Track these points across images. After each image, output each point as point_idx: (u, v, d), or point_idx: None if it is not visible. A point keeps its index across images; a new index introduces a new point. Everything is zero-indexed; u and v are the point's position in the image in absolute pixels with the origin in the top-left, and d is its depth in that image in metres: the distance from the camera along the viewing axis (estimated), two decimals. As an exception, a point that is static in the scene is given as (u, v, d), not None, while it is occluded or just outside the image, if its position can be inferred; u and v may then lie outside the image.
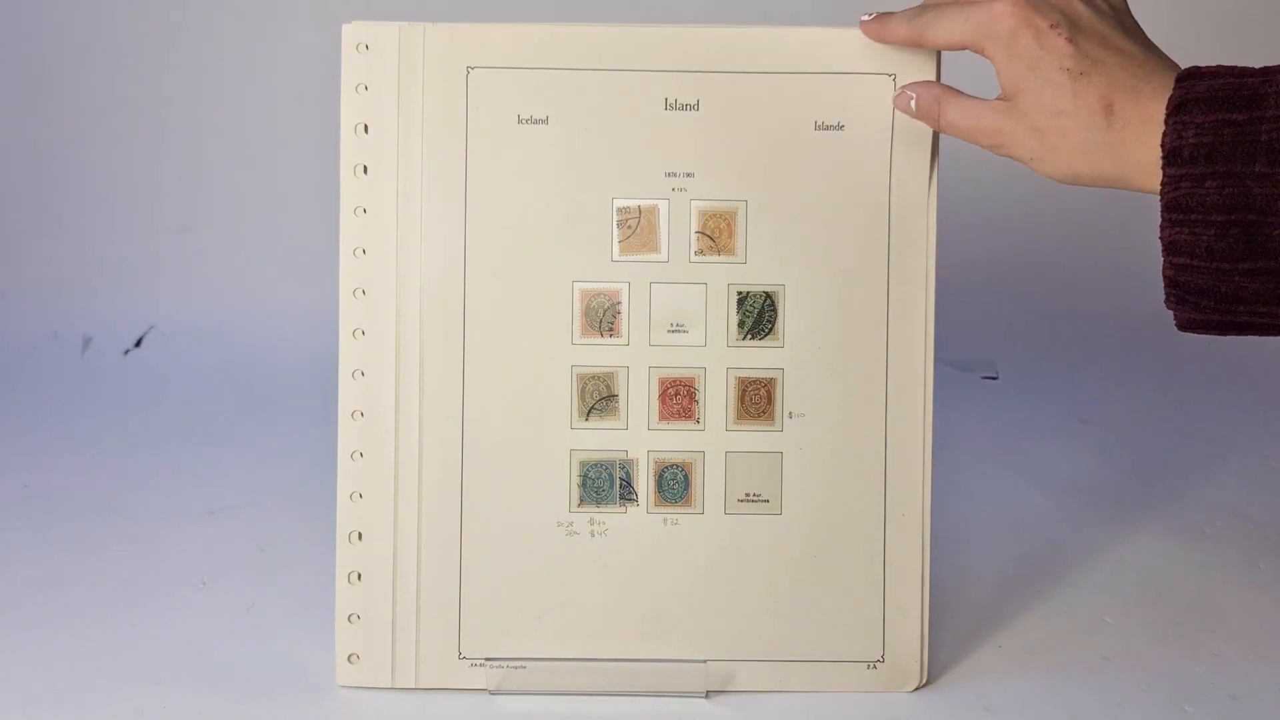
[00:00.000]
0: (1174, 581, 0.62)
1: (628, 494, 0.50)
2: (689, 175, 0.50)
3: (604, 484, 0.50)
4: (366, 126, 0.49)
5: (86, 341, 1.03)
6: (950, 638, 0.55)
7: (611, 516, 0.50)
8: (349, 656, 0.50)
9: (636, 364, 0.50)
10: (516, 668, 0.50)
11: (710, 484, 0.50)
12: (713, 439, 0.50)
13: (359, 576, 0.50)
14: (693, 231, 0.50)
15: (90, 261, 1.08)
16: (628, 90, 0.49)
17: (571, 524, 0.50)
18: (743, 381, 0.50)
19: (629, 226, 0.50)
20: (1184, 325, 0.42)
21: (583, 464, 0.50)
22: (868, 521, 0.50)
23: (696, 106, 0.49)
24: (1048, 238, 1.05)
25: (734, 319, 0.50)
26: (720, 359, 0.50)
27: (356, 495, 0.50)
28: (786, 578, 0.50)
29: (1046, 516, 0.72)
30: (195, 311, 1.05)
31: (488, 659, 0.50)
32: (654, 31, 0.49)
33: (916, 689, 0.50)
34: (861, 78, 0.49)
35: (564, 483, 0.50)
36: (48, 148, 1.09)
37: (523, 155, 0.49)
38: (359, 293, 0.50)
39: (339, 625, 0.50)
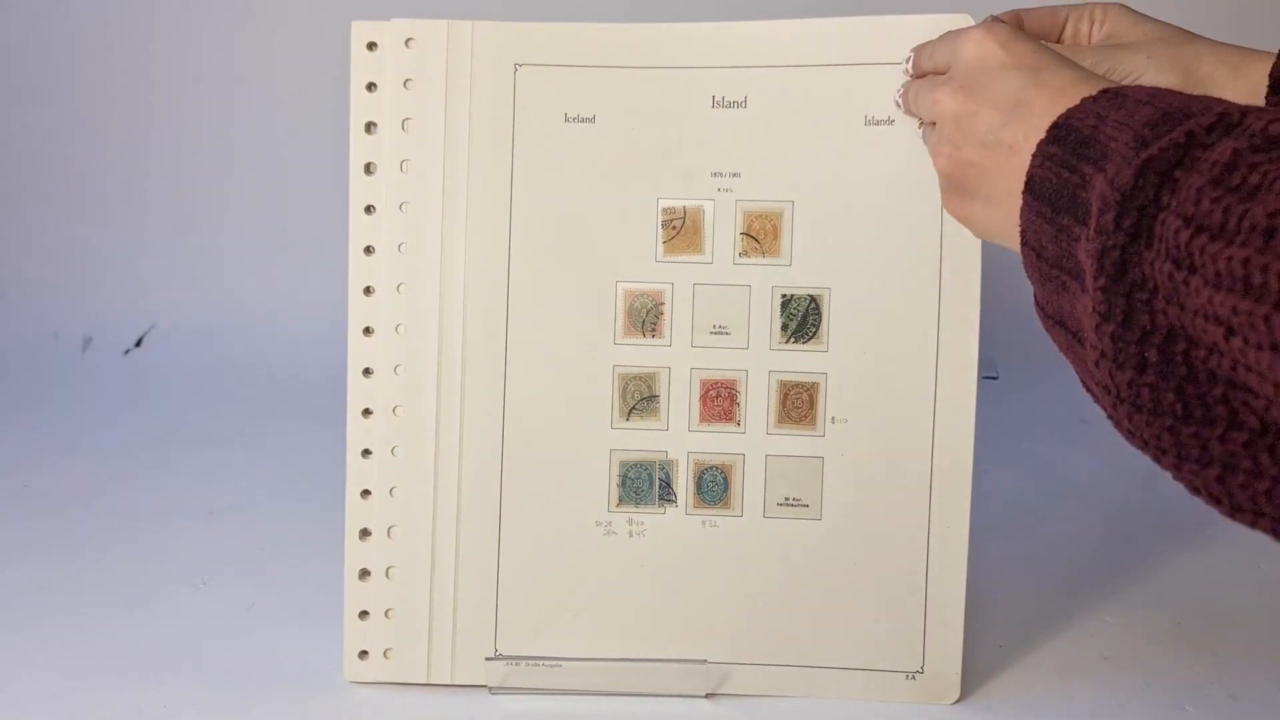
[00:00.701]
0: (1174, 581, 0.62)
1: (667, 495, 0.50)
2: (735, 175, 0.49)
3: (643, 484, 0.50)
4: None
5: (87, 341, 1.03)
6: (951, 638, 0.55)
7: (650, 517, 0.50)
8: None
9: (678, 365, 0.50)
10: (526, 660, 0.50)
11: (750, 487, 0.50)
12: (753, 442, 0.50)
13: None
14: (737, 233, 0.49)
15: (90, 261, 1.08)
16: (674, 88, 0.49)
17: (610, 524, 0.50)
18: (785, 385, 0.49)
19: (673, 227, 0.49)
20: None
21: (622, 464, 0.50)
22: (911, 531, 0.49)
23: (744, 104, 0.49)
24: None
25: (777, 322, 0.49)
26: (762, 362, 0.49)
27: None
28: (824, 584, 0.49)
29: (1047, 516, 0.72)
30: (195, 311, 1.04)
31: (494, 656, 0.50)
32: (700, 28, 0.49)
33: (956, 702, 0.50)
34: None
35: (603, 482, 0.50)
36: (48, 147, 1.09)
37: (569, 154, 0.49)
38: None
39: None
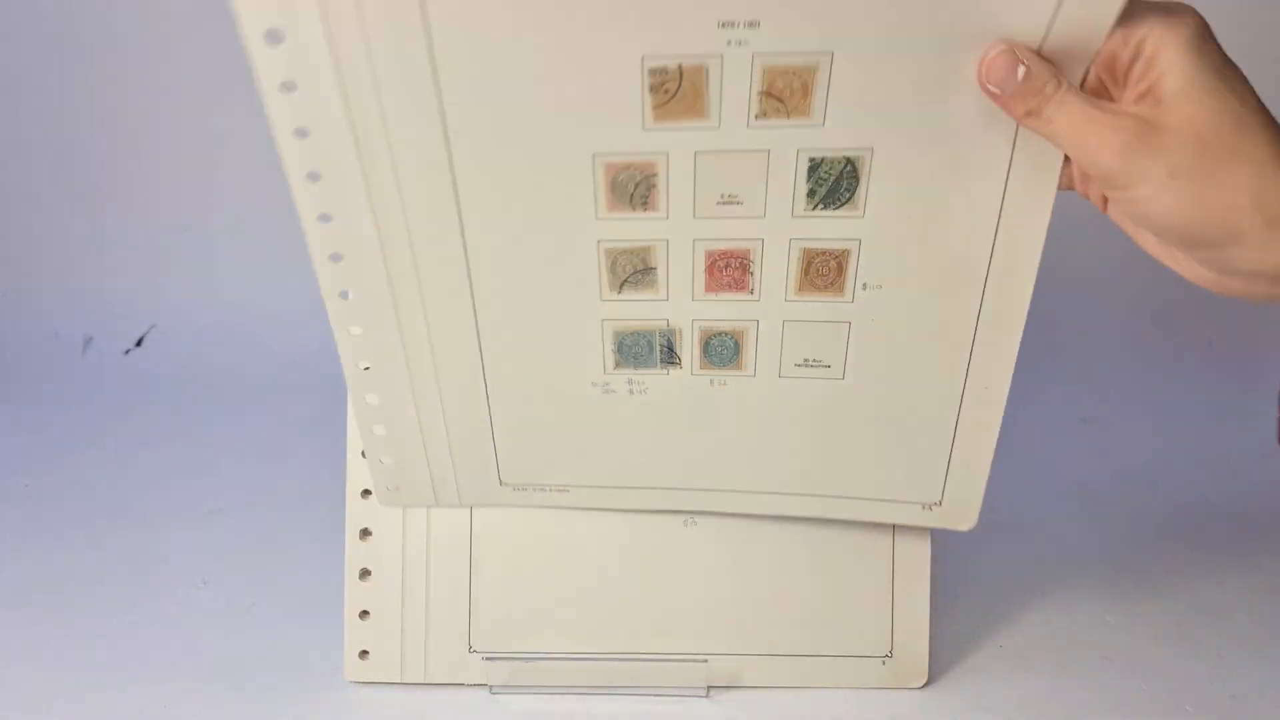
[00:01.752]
0: (1174, 581, 0.62)
1: (669, 358, 0.45)
2: (752, 25, 0.37)
3: (642, 350, 0.45)
4: (294, 84, 0.40)
5: (87, 341, 1.03)
6: (951, 637, 0.55)
7: (652, 378, 0.46)
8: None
9: (678, 237, 0.42)
10: (527, 658, 0.50)
11: (765, 350, 0.45)
12: (769, 308, 0.44)
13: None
14: (754, 93, 0.38)
15: (91, 261, 1.08)
16: None
17: (608, 384, 0.46)
18: (809, 253, 0.42)
19: (665, 91, 0.38)
20: None
21: (617, 334, 0.45)
22: (943, 391, 0.45)
23: None
24: (1050, 237, 1.05)
25: (802, 188, 0.41)
26: (783, 230, 0.42)
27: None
28: (843, 432, 0.46)
29: (1047, 516, 0.72)
30: (196, 311, 1.04)
31: (493, 654, 0.50)
32: None
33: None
34: None
35: (597, 352, 0.45)
36: (48, 147, 1.09)
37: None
38: (344, 295, 0.44)
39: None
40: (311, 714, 0.49)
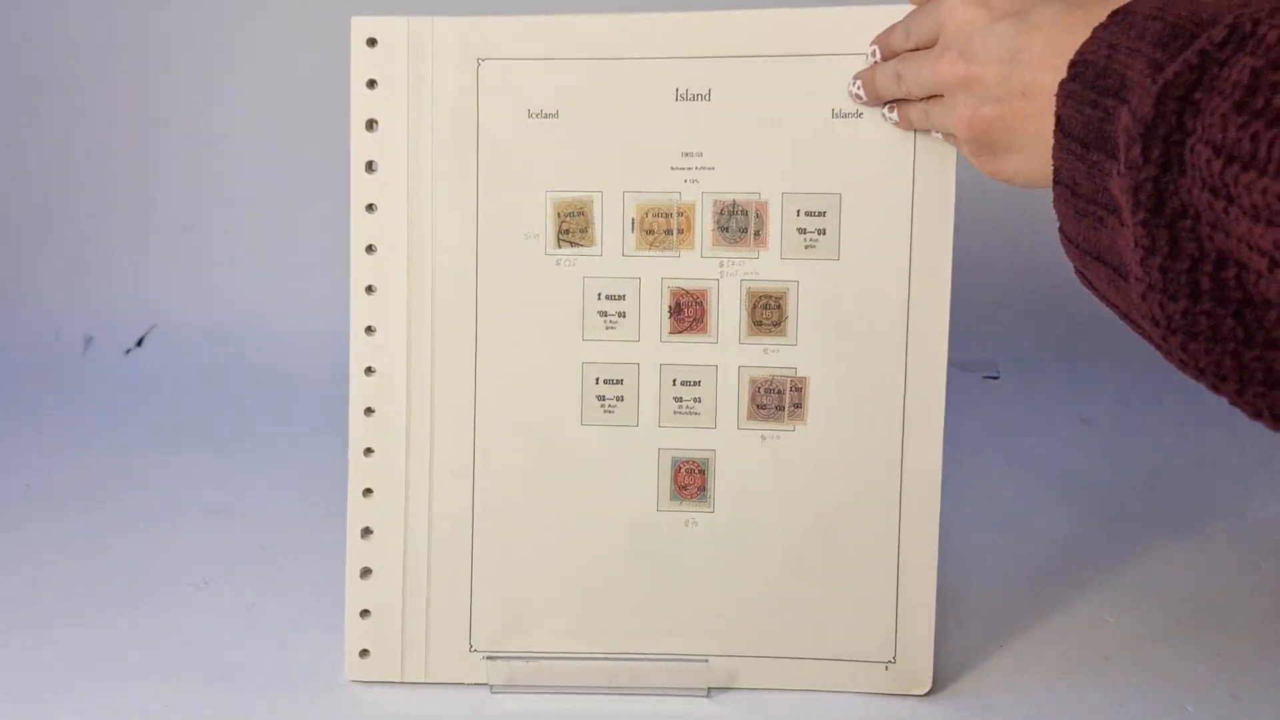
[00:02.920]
0: (1174, 581, 0.62)
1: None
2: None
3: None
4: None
5: (88, 341, 1.03)
6: (952, 637, 0.55)
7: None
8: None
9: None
10: (527, 658, 0.50)
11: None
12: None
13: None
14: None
15: (92, 261, 1.08)
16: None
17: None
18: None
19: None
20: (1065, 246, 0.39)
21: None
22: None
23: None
24: (1050, 237, 1.05)
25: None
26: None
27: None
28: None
29: (1047, 516, 0.72)
30: (196, 311, 1.05)
31: (494, 654, 0.50)
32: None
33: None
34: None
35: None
36: (49, 147, 1.09)
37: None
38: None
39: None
40: (312, 714, 0.49)
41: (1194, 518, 0.71)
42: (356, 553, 0.50)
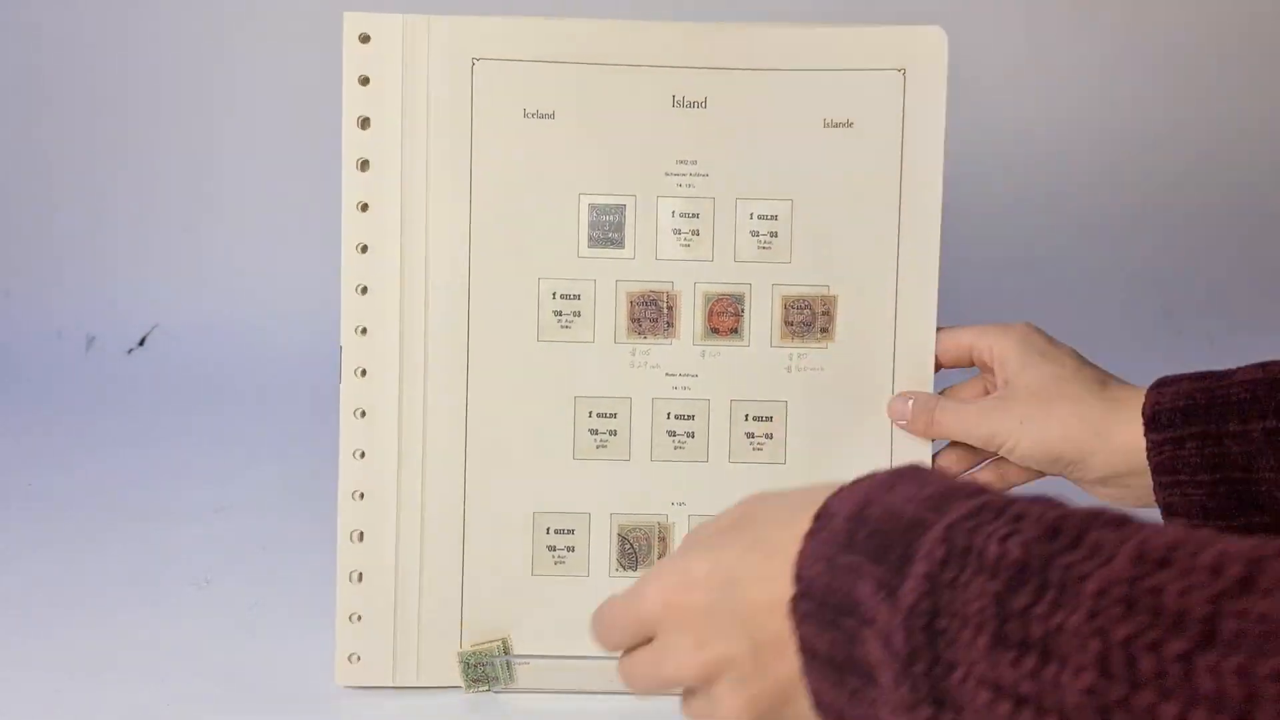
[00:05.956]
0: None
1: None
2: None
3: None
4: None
5: (90, 340, 1.03)
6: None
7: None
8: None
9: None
10: (523, 660, 0.50)
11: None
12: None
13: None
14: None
15: (94, 261, 1.08)
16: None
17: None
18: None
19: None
20: None
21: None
22: None
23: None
24: (1048, 238, 1.05)
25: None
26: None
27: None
28: None
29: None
30: (198, 311, 1.05)
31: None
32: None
33: None
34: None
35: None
36: (51, 147, 1.09)
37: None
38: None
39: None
40: (313, 713, 0.49)
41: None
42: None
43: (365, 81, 0.49)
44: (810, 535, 0.32)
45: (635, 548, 0.51)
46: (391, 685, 0.50)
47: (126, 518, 0.70)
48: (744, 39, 0.49)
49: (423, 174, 0.49)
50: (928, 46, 0.49)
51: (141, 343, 1.03)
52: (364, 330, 0.50)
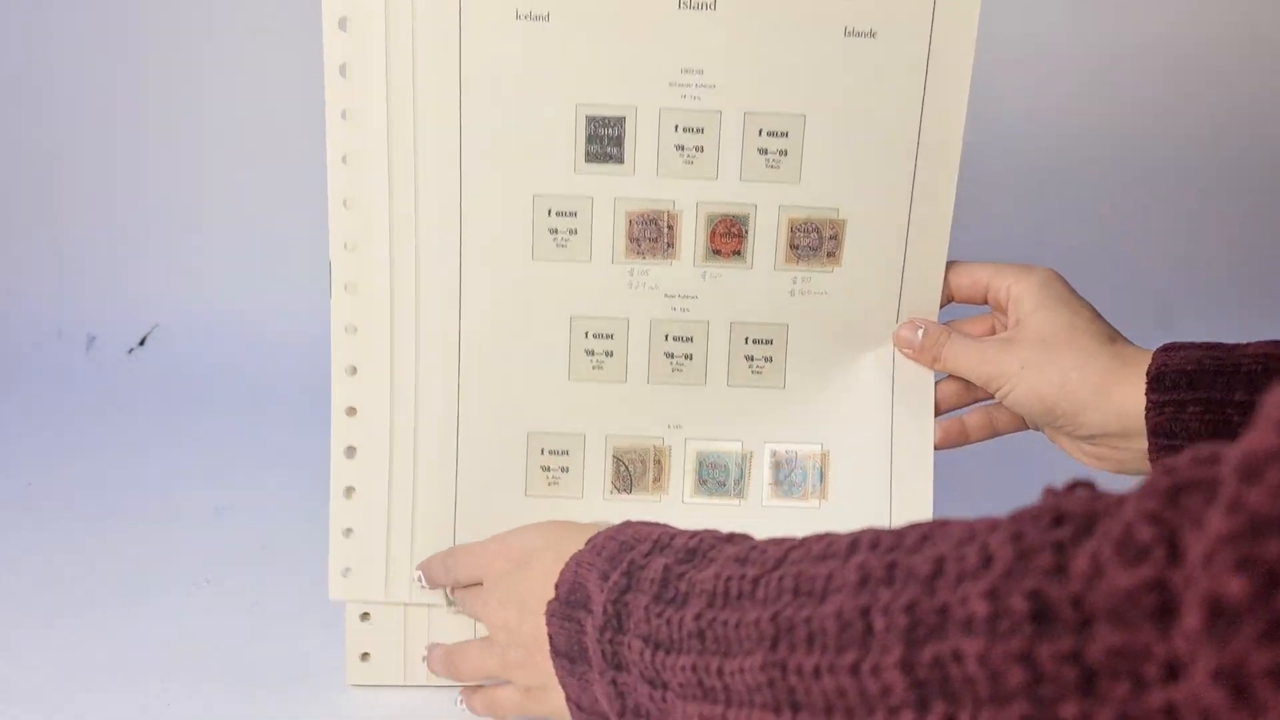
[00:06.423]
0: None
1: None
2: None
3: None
4: (346, 21, 0.45)
5: (90, 340, 1.03)
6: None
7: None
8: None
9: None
10: None
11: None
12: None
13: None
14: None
15: (94, 260, 1.08)
16: None
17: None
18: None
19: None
20: None
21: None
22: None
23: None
24: (1049, 234, 1.05)
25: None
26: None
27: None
28: None
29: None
30: (199, 310, 1.04)
31: None
32: None
33: None
34: None
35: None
36: (50, 146, 1.09)
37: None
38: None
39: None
40: (314, 714, 0.49)
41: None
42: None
43: (344, 25, 0.46)
44: (579, 553, 0.39)
45: (630, 470, 0.50)
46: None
47: (126, 517, 0.70)
48: None
49: (409, 82, 0.46)
50: None
51: (142, 342, 1.03)
52: (351, 247, 0.47)
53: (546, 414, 0.49)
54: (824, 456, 0.50)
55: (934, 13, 0.45)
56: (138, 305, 1.05)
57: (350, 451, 0.49)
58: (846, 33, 0.46)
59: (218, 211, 1.09)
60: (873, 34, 0.46)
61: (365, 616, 0.50)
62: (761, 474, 0.50)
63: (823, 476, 0.50)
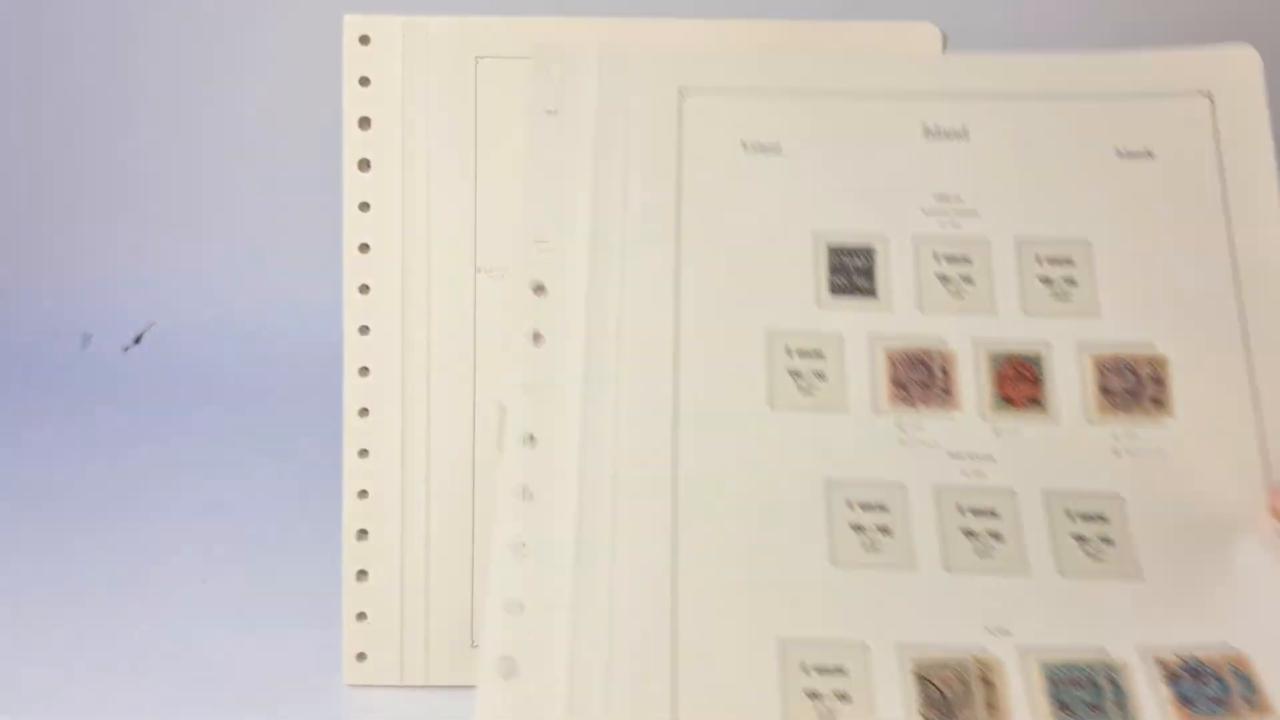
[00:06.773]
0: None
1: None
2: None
3: None
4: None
5: (86, 338, 1.03)
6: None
7: None
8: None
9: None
10: None
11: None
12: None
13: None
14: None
15: (90, 258, 1.07)
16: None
17: None
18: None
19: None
20: None
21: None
22: None
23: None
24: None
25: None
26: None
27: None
28: None
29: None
30: (196, 309, 1.04)
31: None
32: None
33: None
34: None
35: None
36: (46, 144, 1.09)
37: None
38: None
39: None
40: (313, 714, 0.49)
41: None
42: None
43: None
44: None
45: (946, 694, 0.35)
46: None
47: (122, 516, 0.70)
48: (1001, 66, 0.43)
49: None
50: (1237, 67, 0.43)
51: (138, 340, 1.03)
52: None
53: (803, 614, 0.37)
54: (1241, 660, 0.36)
55: (1215, 128, 0.42)
56: (133, 303, 1.05)
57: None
58: (1120, 154, 0.42)
59: (215, 210, 1.08)
60: (1150, 154, 0.42)
61: (362, 616, 0.50)
62: (1154, 690, 0.36)
63: (1251, 684, 0.36)
